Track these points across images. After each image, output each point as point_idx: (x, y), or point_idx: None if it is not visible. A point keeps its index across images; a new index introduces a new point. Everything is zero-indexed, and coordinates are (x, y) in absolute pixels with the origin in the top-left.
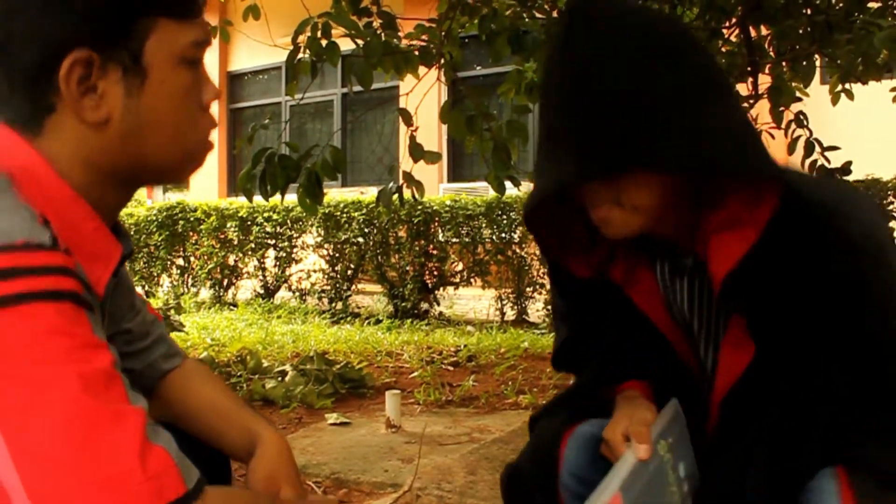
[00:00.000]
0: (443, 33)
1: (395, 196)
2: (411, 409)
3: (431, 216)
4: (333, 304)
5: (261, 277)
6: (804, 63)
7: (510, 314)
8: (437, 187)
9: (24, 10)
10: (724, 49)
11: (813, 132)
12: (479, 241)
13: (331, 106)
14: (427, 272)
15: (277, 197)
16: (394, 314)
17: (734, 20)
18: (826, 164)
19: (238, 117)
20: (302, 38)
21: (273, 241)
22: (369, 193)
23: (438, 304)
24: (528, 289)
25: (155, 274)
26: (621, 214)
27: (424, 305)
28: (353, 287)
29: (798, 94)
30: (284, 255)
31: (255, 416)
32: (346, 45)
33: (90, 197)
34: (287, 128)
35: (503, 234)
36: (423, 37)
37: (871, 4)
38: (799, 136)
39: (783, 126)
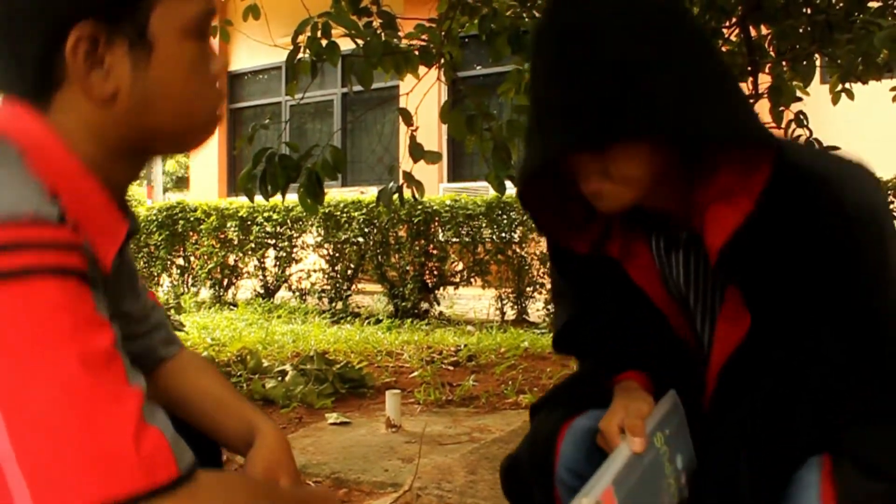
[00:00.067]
0: (443, 33)
1: (396, 196)
2: (411, 408)
3: (431, 216)
4: (333, 304)
5: (261, 277)
6: (804, 63)
7: (510, 314)
8: (438, 187)
9: None
10: (724, 49)
11: (813, 132)
12: (480, 241)
13: (331, 106)
14: (427, 272)
15: (278, 197)
16: (394, 314)
17: (734, 20)
18: None
19: (238, 117)
20: (302, 38)
21: (273, 241)
22: (369, 193)
23: (438, 304)
24: (528, 288)
25: (155, 274)
26: (612, 187)
27: (424, 305)
28: (354, 287)
29: (798, 93)
30: (284, 254)
31: (253, 408)
32: (346, 44)
33: (99, 171)
34: (287, 128)
35: (503, 234)
36: (423, 37)
37: (871, 4)
38: (799, 136)
39: (783, 126)
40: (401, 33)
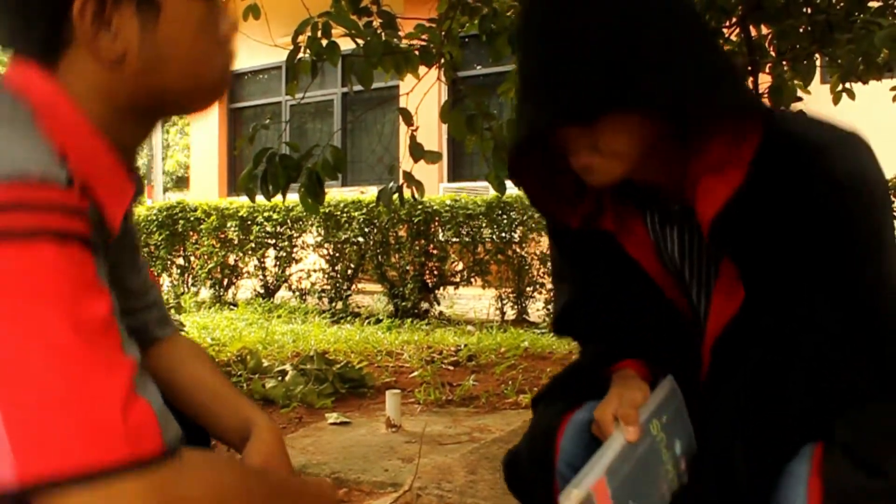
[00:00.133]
0: (443, 33)
1: (396, 196)
2: (411, 408)
3: (432, 216)
4: (333, 304)
5: (261, 277)
6: (805, 62)
7: (510, 314)
8: (438, 187)
9: None
10: (724, 48)
11: None
12: (480, 241)
13: (331, 105)
14: (427, 272)
15: (279, 196)
16: (394, 314)
17: (734, 20)
18: None
19: (238, 117)
20: (302, 38)
21: (273, 241)
22: (369, 193)
23: (439, 304)
24: (528, 288)
25: (155, 273)
26: (601, 161)
27: (425, 305)
28: (354, 287)
29: (799, 93)
30: (284, 254)
31: (248, 401)
32: (346, 44)
33: (108, 133)
34: (287, 127)
35: (503, 234)
36: (424, 36)
37: (871, 4)
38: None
39: None
40: (401, 33)
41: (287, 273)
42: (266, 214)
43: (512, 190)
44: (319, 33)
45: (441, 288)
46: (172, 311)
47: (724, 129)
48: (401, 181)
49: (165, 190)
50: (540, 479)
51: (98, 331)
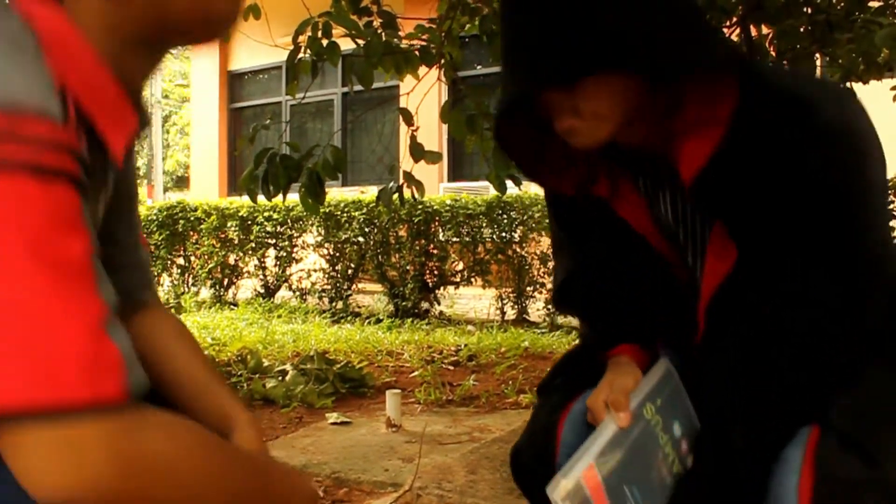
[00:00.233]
0: (442, 34)
1: (396, 195)
2: (412, 408)
3: (432, 215)
4: (334, 304)
5: (261, 277)
6: (805, 62)
7: (510, 313)
8: (438, 187)
9: None
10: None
11: None
12: (480, 241)
13: (331, 105)
14: (427, 271)
15: (280, 197)
16: (394, 313)
17: (735, 19)
18: None
19: (238, 117)
20: (302, 38)
21: (273, 241)
22: (370, 193)
23: (439, 304)
24: (528, 288)
25: (155, 273)
26: (583, 124)
27: (425, 305)
28: (354, 286)
29: None
30: (285, 254)
31: (230, 395)
32: (346, 44)
33: (114, 66)
34: (288, 128)
35: (503, 234)
36: (424, 37)
37: (871, 3)
38: None
39: None
40: (401, 33)
41: (287, 273)
42: (266, 214)
43: (512, 190)
44: (320, 33)
45: (441, 288)
46: (172, 310)
47: (702, 87)
48: (401, 181)
49: (166, 190)
50: (542, 473)
51: (69, 270)
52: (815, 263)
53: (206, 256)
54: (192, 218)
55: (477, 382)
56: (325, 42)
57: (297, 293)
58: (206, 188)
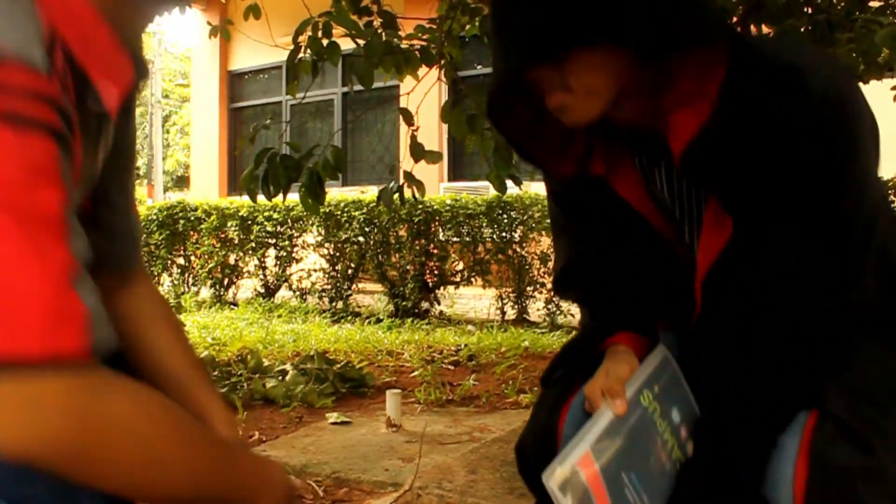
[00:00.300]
0: (442, 34)
1: (396, 195)
2: (412, 408)
3: (432, 215)
4: (334, 304)
5: (261, 277)
6: None
7: (511, 313)
8: (438, 186)
9: None
10: None
11: None
12: (480, 241)
13: (331, 105)
14: (428, 271)
15: (280, 196)
16: (394, 313)
17: (735, 19)
18: None
19: (238, 116)
20: (303, 38)
21: (273, 241)
22: (370, 193)
23: (439, 304)
24: (528, 288)
25: (155, 273)
26: (574, 100)
27: (425, 305)
28: (354, 286)
29: None
30: (285, 254)
31: (208, 387)
32: (346, 44)
33: (109, 16)
34: (288, 127)
35: (504, 234)
36: (424, 37)
37: (872, 3)
38: None
39: None
40: (401, 33)
41: (287, 273)
42: (266, 214)
43: (512, 190)
44: (320, 33)
45: (441, 287)
46: (173, 310)
47: (693, 60)
48: (401, 181)
49: (166, 189)
50: (545, 468)
51: (39, 221)
52: (809, 236)
53: (206, 256)
54: (192, 218)
55: (477, 382)
56: (325, 42)
57: (298, 293)
58: (207, 188)
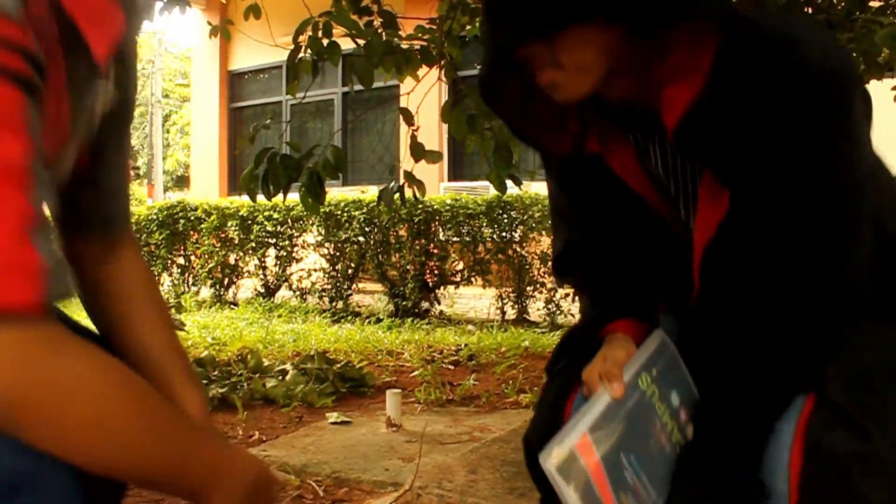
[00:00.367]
0: (443, 34)
1: (396, 195)
2: (412, 408)
3: (432, 215)
4: (334, 304)
5: (261, 276)
6: None
7: (511, 313)
8: (438, 186)
9: None
10: None
11: None
12: (480, 241)
13: (331, 105)
14: (428, 271)
15: (280, 196)
16: (394, 313)
17: None
18: None
19: (238, 116)
20: (303, 38)
21: (274, 240)
22: (370, 192)
23: (439, 304)
24: (528, 288)
25: (155, 273)
26: (565, 76)
27: (425, 304)
28: (354, 286)
29: None
30: (285, 254)
31: (187, 373)
32: (346, 44)
33: None
34: (288, 127)
35: (504, 234)
36: (424, 37)
37: (872, 3)
38: None
39: None
40: (401, 33)
41: (287, 272)
42: (266, 214)
43: (512, 189)
44: (320, 33)
45: (441, 287)
46: (173, 310)
47: (685, 33)
48: (402, 181)
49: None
50: None
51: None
52: (805, 210)
53: (206, 256)
54: (192, 217)
55: (477, 382)
56: (325, 42)
57: (298, 293)
58: (207, 188)
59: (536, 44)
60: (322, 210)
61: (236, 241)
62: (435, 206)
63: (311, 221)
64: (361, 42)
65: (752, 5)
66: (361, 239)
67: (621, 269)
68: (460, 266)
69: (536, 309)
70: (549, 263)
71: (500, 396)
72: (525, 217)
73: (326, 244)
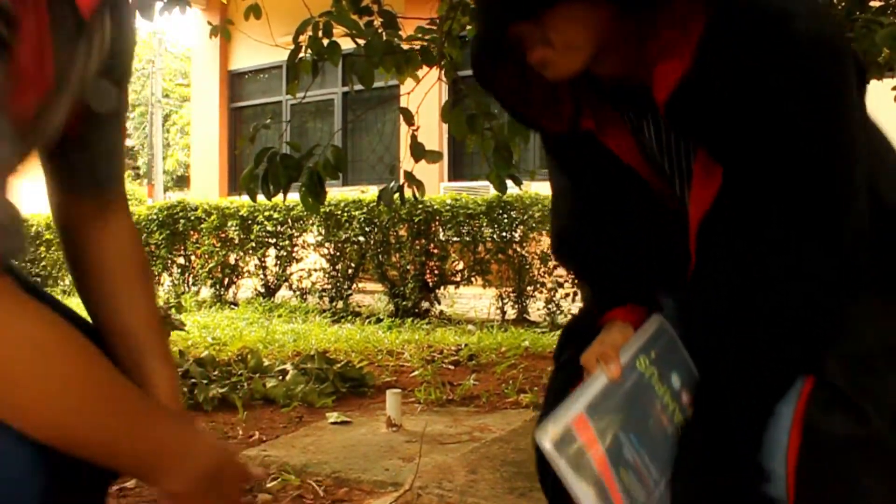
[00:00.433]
0: (443, 34)
1: (396, 195)
2: (412, 408)
3: (432, 215)
4: (334, 303)
5: (261, 276)
6: None
7: (511, 313)
8: (438, 186)
9: None
10: None
11: None
12: (480, 240)
13: (332, 105)
14: (428, 271)
15: (280, 196)
16: (394, 313)
17: None
18: None
19: (239, 116)
20: (303, 38)
21: (274, 240)
22: (370, 192)
23: (439, 303)
24: (528, 288)
25: (156, 273)
26: (555, 54)
27: (425, 304)
28: (354, 286)
29: None
30: (285, 253)
31: (161, 355)
32: (346, 44)
33: None
34: (288, 127)
35: (504, 234)
36: (425, 37)
37: (872, 3)
38: None
39: None
40: (402, 33)
41: (288, 272)
42: (267, 214)
43: (512, 189)
44: (320, 33)
45: (442, 287)
46: (173, 310)
47: (674, 11)
48: (402, 180)
49: (166, 189)
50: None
51: None
52: (799, 185)
53: (206, 256)
54: (192, 217)
55: (477, 382)
56: (325, 42)
57: (298, 293)
58: (207, 188)
59: (526, 23)
60: (322, 210)
61: (236, 241)
62: (435, 206)
63: (311, 221)
64: (361, 42)
65: None
66: (361, 239)
67: (619, 254)
68: (460, 266)
69: (536, 309)
70: (549, 263)
71: (501, 396)
72: (525, 217)
73: (326, 244)
